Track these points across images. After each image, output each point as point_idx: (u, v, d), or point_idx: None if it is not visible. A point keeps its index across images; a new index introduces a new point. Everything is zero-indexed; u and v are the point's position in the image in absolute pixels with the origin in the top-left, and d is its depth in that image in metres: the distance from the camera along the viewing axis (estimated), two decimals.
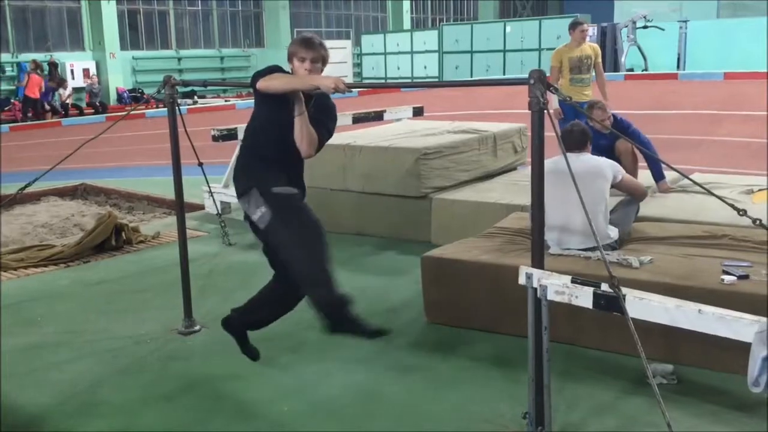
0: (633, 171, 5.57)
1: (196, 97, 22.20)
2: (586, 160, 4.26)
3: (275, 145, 3.28)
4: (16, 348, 4.14)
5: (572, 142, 4.29)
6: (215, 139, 7.02)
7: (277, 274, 3.47)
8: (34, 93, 18.97)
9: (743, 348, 2.28)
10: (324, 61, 3.36)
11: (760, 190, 5.46)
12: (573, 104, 3.02)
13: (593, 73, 7.68)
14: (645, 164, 5.92)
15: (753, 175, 6.39)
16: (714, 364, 3.48)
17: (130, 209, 8.34)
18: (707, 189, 2.74)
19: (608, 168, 4.30)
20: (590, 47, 7.71)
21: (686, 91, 15.49)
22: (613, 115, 5.86)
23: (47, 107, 19.60)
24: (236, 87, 26.32)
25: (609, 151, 5.57)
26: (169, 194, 5.09)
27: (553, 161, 3.97)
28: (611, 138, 5.63)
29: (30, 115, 18.97)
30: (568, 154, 4.16)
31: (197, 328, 4.34)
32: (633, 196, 4.56)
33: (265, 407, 3.41)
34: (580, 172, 4.11)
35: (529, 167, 2.77)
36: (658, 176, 5.78)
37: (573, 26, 7.67)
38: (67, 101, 20.62)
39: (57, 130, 17.20)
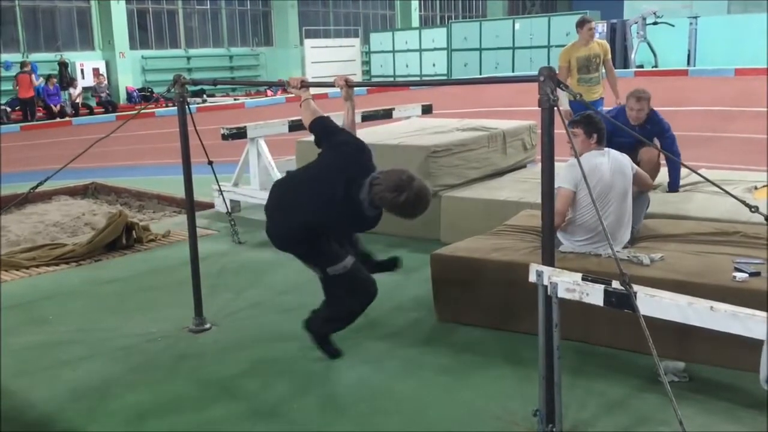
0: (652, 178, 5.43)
1: (205, 96, 22.26)
2: (616, 159, 4.18)
3: None
4: (28, 346, 4.17)
5: (602, 137, 4.22)
6: (225, 137, 7.05)
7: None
8: (27, 93, 18.96)
9: (755, 345, 2.28)
10: None
11: (763, 186, 5.44)
12: (583, 102, 3.01)
13: (602, 72, 7.57)
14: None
15: (762, 171, 6.34)
16: (726, 362, 3.46)
17: (140, 208, 8.37)
18: (720, 186, 2.73)
19: (628, 163, 4.26)
20: (599, 45, 7.56)
21: (696, 88, 15.43)
22: (653, 111, 5.61)
23: (56, 108, 19.63)
24: (246, 86, 26.44)
25: (630, 150, 5.14)
26: (179, 193, 5.11)
27: (585, 161, 3.95)
28: (635, 137, 5.48)
29: (29, 117, 18.91)
30: (595, 152, 4.16)
31: (208, 326, 4.35)
32: (643, 188, 4.50)
33: (275, 405, 3.42)
34: (612, 171, 4.10)
35: (539, 164, 2.76)
36: (672, 186, 5.65)
37: (580, 24, 7.53)
38: (77, 101, 20.71)
39: (67, 130, 17.29)
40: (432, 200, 3.27)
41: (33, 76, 19.24)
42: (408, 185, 3.03)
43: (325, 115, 3.62)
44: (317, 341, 3.76)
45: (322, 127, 3.53)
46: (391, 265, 4.02)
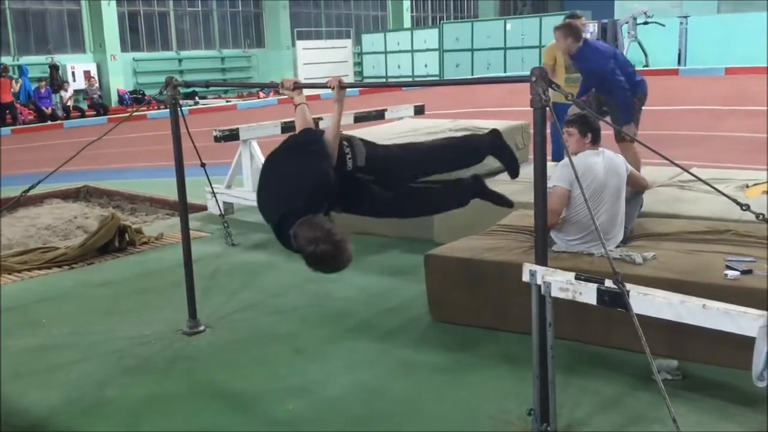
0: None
1: (197, 98, 22.21)
2: (610, 158, 4.19)
3: None
4: (21, 349, 4.15)
5: (597, 137, 4.23)
6: (217, 139, 7.04)
7: None
8: (6, 98, 18.81)
9: (747, 343, 2.29)
10: None
11: (755, 184, 5.46)
12: (574, 102, 3.01)
13: None
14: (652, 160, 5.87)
15: (752, 170, 6.37)
16: (718, 360, 3.48)
17: (133, 211, 8.35)
18: (711, 185, 2.74)
19: (623, 163, 4.28)
20: None
21: (687, 87, 15.49)
22: (584, 48, 5.80)
23: (48, 111, 19.55)
24: (238, 87, 26.38)
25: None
26: (172, 195, 5.11)
27: (580, 160, 3.95)
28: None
29: (5, 122, 18.75)
30: (589, 151, 4.17)
31: (202, 328, 4.34)
32: (638, 188, 4.51)
33: (270, 406, 3.42)
34: (606, 171, 4.11)
35: (532, 164, 2.76)
36: (621, 121, 5.64)
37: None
38: (69, 103, 20.64)
39: (59, 133, 17.22)
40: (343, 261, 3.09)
41: (14, 81, 19.15)
42: (318, 242, 2.95)
43: (314, 127, 3.54)
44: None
45: (308, 137, 3.43)
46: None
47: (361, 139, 3.65)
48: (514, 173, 3.82)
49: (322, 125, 3.61)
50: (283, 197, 3.20)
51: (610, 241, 4.08)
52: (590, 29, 21.76)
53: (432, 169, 3.79)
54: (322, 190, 3.19)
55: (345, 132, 3.76)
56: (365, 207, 3.63)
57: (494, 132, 3.83)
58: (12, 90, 19.05)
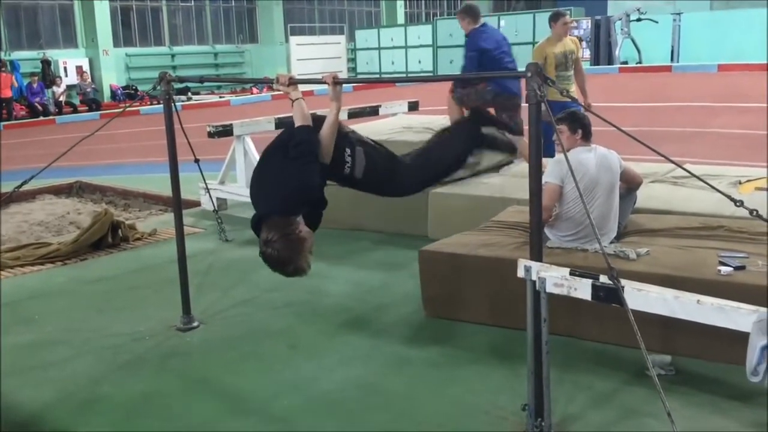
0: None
1: (190, 94, 22.15)
2: (602, 155, 4.19)
3: None
4: (14, 346, 4.14)
5: (587, 133, 4.23)
6: (211, 135, 7.03)
7: None
8: (6, 93, 18.72)
9: (741, 338, 2.30)
10: None
11: (748, 180, 5.48)
12: (570, 98, 3.01)
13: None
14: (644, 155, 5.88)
15: (745, 166, 6.40)
16: (711, 355, 3.50)
17: (126, 206, 8.32)
18: (705, 180, 2.75)
19: (616, 160, 4.28)
20: (571, 41, 7.28)
21: (680, 84, 15.54)
22: (474, 32, 6.47)
23: (39, 107, 19.47)
24: (231, 83, 26.33)
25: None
26: (166, 191, 5.08)
27: (571, 157, 3.95)
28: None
29: (5, 116, 18.67)
30: (581, 147, 4.18)
31: (196, 324, 4.34)
32: (632, 184, 4.52)
33: (264, 402, 3.42)
34: (598, 167, 4.12)
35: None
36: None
37: (555, 18, 7.19)
38: (61, 99, 20.56)
39: (51, 128, 17.15)
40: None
41: (14, 77, 19.10)
42: (269, 244, 3.02)
43: (312, 124, 3.49)
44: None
45: (303, 137, 3.39)
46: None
47: (376, 144, 3.67)
48: (510, 131, 3.95)
49: None
50: (268, 196, 3.25)
51: (603, 237, 4.09)
52: (584, 26, 21.84)
53: (436, 173, 3.79)
54: (302, 197, 3.20)
55: (354, 132, 3.72)
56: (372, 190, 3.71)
57: (474, 111, 4.02)
58: (14, 85, 18.99)
